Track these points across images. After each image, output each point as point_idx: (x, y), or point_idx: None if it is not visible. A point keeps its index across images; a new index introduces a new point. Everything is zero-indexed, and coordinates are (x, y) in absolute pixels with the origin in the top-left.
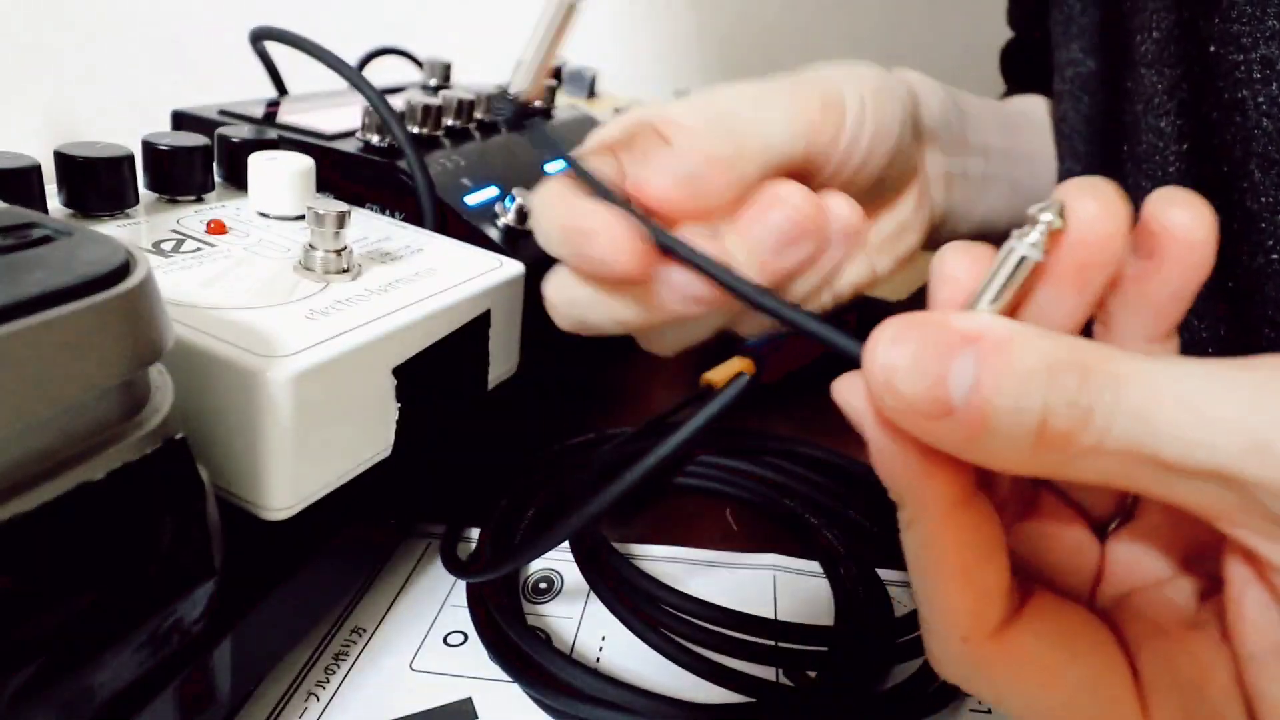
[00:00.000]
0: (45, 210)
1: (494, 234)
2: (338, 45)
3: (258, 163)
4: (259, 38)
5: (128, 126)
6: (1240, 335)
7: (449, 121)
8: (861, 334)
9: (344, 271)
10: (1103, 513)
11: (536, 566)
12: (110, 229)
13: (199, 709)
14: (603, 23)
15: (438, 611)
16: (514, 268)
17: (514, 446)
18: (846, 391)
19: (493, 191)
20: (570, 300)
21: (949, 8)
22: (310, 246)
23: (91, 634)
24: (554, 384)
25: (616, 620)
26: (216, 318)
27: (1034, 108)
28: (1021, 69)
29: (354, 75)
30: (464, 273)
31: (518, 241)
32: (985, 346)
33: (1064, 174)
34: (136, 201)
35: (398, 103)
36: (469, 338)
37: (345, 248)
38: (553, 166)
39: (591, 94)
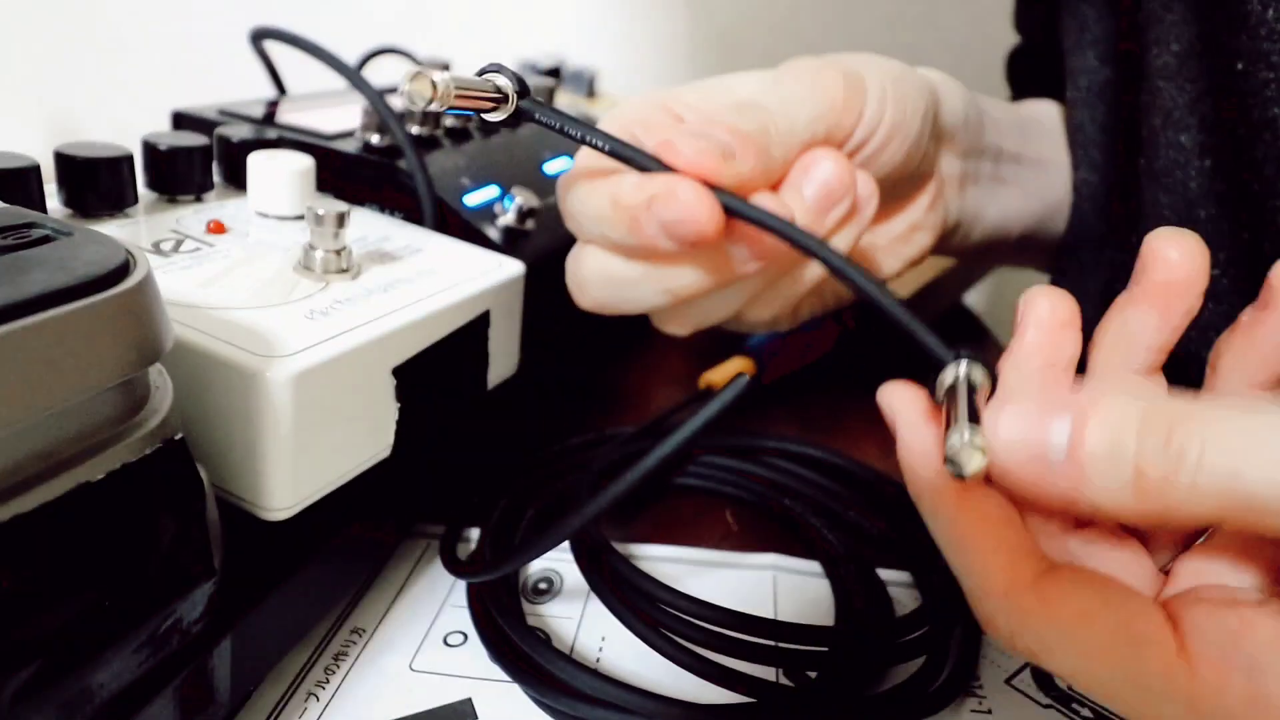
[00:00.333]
0: (45, 210)
1: (494, 234)
2: (338, 45)
3: (257, 162)
4: (259, 38)
5: (128, 126)
6: None
7: (449, 121)
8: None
9: (344, 271)
10: (1165, 543)
11: (536, 566)
12: (110, 229)
13: (199, 709)
14: (603, 23)
15: (438, 611)
16: (514, 268)
17: (514, 446)
18: (891, 396)
19: (493, 191)
20: (609, 278)
21: (951, 9)
22: (310, 246)
23: (91, 634)
24: (554, 384)
25: (616, 620)
26: (216, 318)
27: (1046, 112)
28: (1028, 75)
29: (354, 75)
30: (464, 273)
31: (517, 241)
32: (1079, 408)
33: (1079, 184)
34: (136, 201)
35: (398, 103)
36: (469, 338)
37: (345, 248)
38: (553, 166)
39: (591, 93)
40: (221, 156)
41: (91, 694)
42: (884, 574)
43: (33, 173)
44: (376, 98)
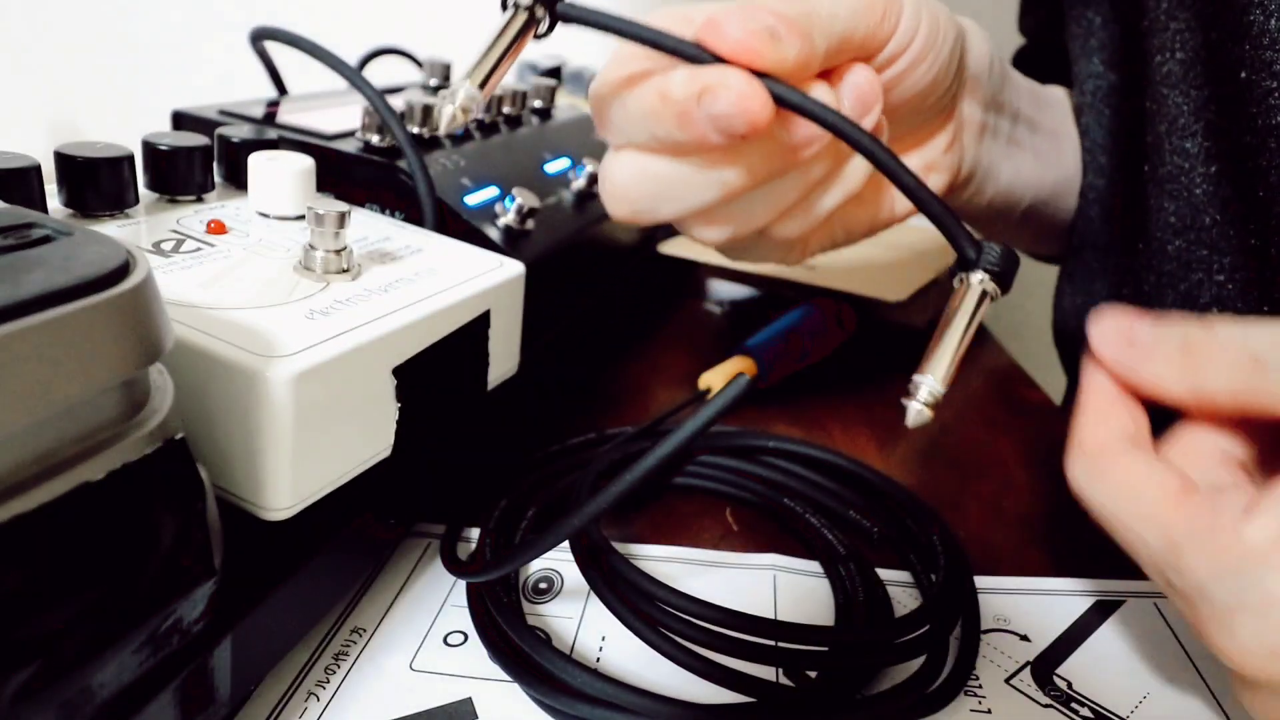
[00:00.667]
0: (45, 210)
1: (494, 234)
2: (338, 45)
3: (258, 163)
4: (259, 38)
5: (128, 126)
6: None
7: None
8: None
9: (344, 271)
10: None
11: (536, 566)
12: (110, 229)
13: (199, 709)
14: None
15: (438, 611)
16: (514, 268)
17: (514, 446)
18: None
19: (493, 191)
20: (651, 179)
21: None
22: (310, 246)
23: (91, 634)
24: (554, 384)
25: (616, 620)
26: (216, 318)
27: (1058, 93)
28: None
29: (354, 75)
30: (464, 273)
31: (517, 241)
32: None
33: (1085, 189)
34: (136, 201)
35: (398, 103)
36: (469, 338)
37: (345, 248)
38: (553, 166)
39: None
40: (222, 156)
41: (92, 694)
42: (884, 574)
43: (33, 173)
44: (376, 98)
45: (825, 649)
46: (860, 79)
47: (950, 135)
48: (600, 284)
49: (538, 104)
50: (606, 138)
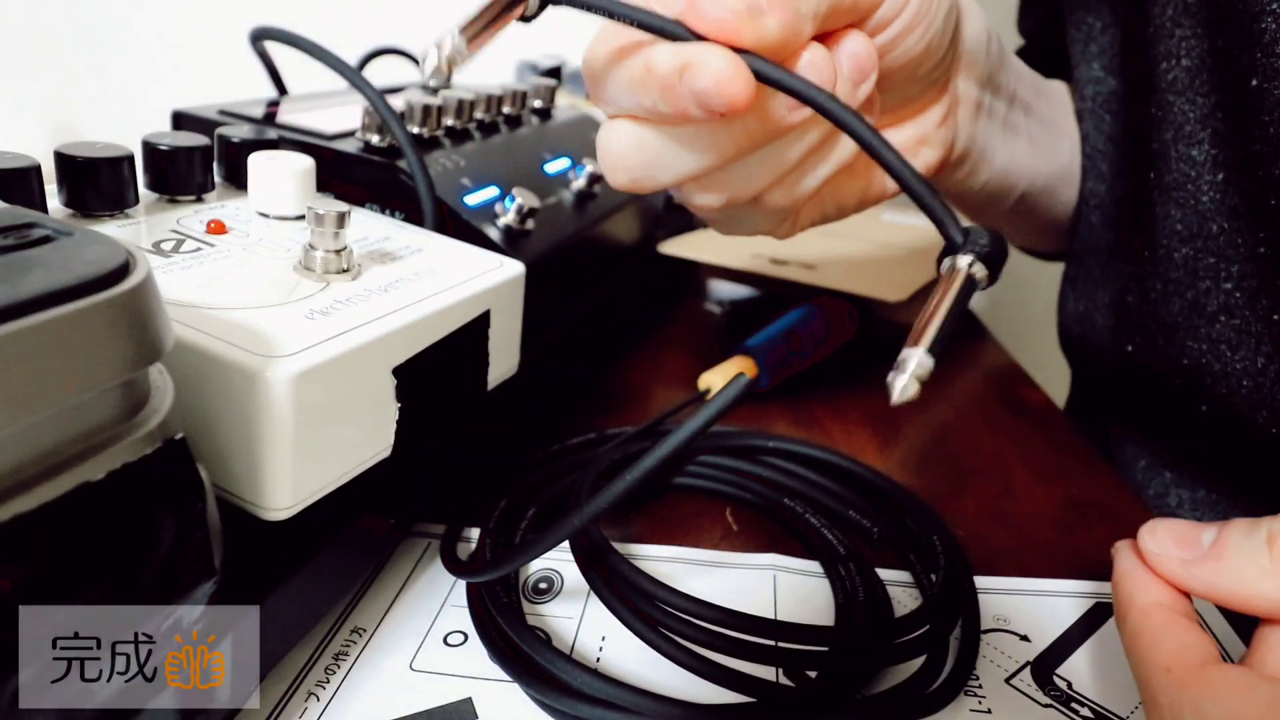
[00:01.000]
0: (45, 210)
1: (494, 234)
2: (338, 45)
3: (258, 163)
4: (259, 38)
5: (128, 126)
6: None
7: (449, 121)
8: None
9: (344, 271)
10: None
11: (536, 566)
12: (110, 229)
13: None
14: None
15: (438, 611)
16: (514, 268)
17: (514, 446)
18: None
19: (493, 191)
20: (644, 148)
21: None
22: (310, 246)
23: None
24: (554, 384)
25: (616, 620)
26: (216, 318)
27: (1058, 84)
28: None
29: (354, 75)
30: (464, 273)
31: (517, 241)
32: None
33: (1086, 194)
34: (136, 201)
35: (398, 103)
36: (469, 338)
37: (345, 248)
38: (553, 166)
39: None
40: (222, 156)
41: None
42: (884, 574)
43: (33, 173)
44: (376, 98)
45: (825, 649)
46: (857, 45)
47: (944, 109)
48: (600, 284)
49: (538, 104)
50: (600, 106)
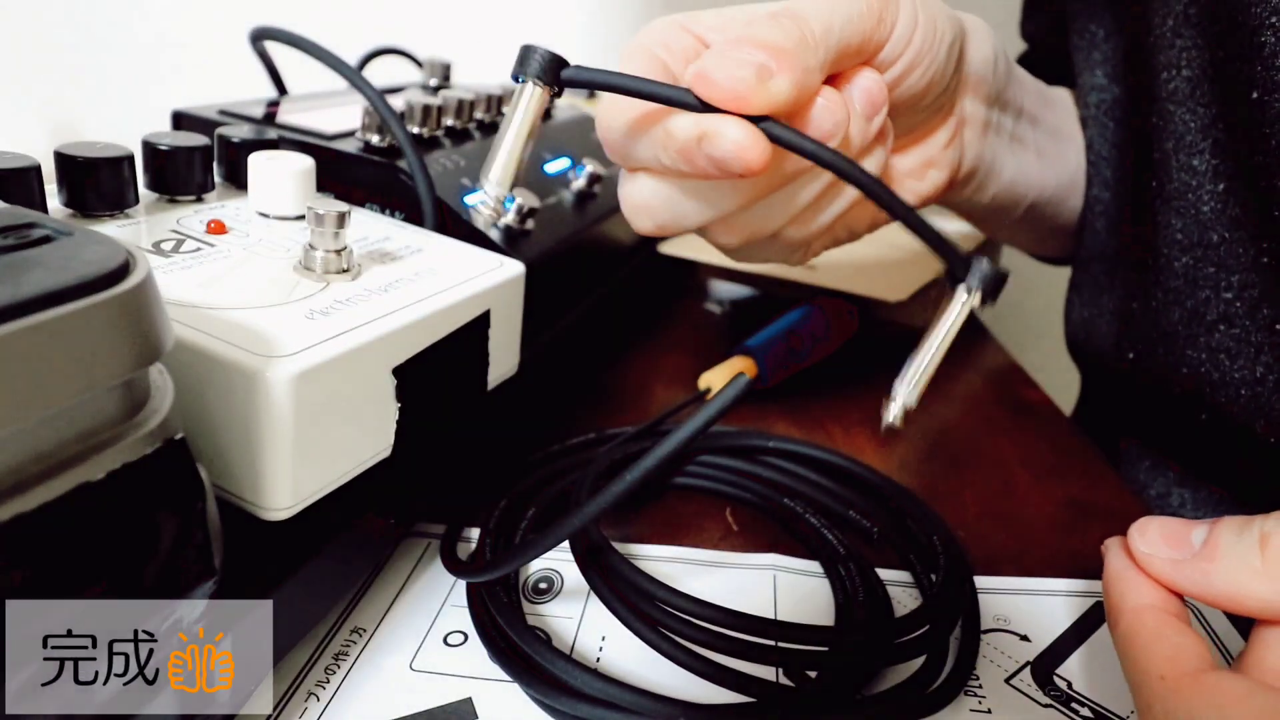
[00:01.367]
0: (45, 210)
1: (494, 234)
2: (338, 45)
3: (258, 163)
4: (259, 38)
5: (128, 126)
6: None
7: (449, 121)
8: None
9: (344, 271)
10: None
11: (536, 566)
12: (110, 229)
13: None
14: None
15: (438, 611)
16: (514, 268)
17: (514, 446)
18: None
19: None
20: (667, 200)
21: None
22: (310, 246)
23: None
24: (554, 384)
25: (616, 620)
26: (216, 318)
27: (1062, 92)
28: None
29: (354, 75)
30: (464, 273)
31: (517, 241)
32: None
33: (1092, 201)
34: (136, 201)
35: (398, 103)
36: (469, 338)
37: (345, 248)
38: (553, 166)
39: (591, 94)
40: (222, 156)
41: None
42: (884, 574)
43: (33, 173)
44: (376, 98)
45: (825, 649)
46: (869, 82)
47: (950, 132)
48: (600, 284)
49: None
50: (618, 163)
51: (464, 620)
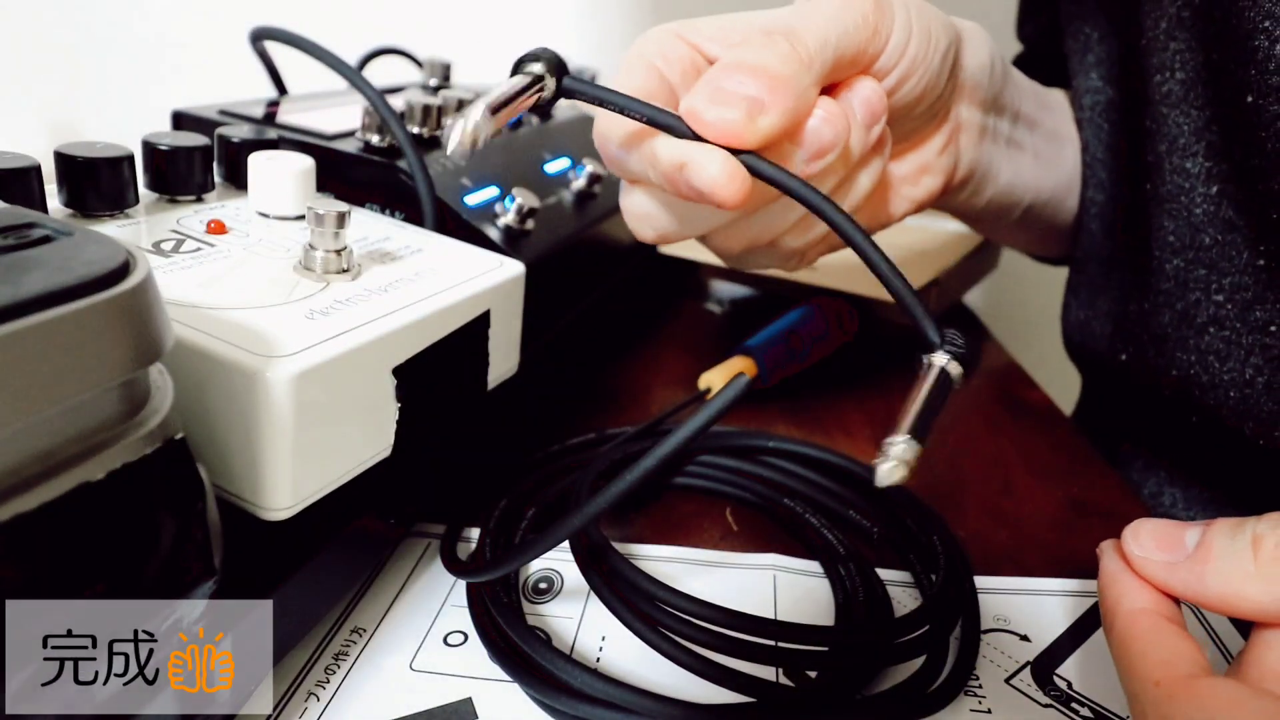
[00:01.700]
0: (45, 210)
1: (494, 234)
2: (338, 45)
3: (258, 163)
4: (259, 38)
5: (128, 126)
6: None
7: (449, 121)
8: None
9: (344, 271)
10: None
11: (536, 566)
12: (110, 229)
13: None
14: (602, 22)
15: (438, 611)
16: (514, 268)
17: (514, 446)
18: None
19: (493, 191)
20: (665, 211)
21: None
22: (310, 246)
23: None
24: (554, 384)
25: (616, 620)
26: (216, 318)
27: (1058, 94)
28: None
29: (354, 75)
30: (464, 273)
31: (517, 241)
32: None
33: (1088, 203)
34: (136, 201)
35: (398, 103)
36: (469, 338)
37: (345, 248)
38: (553, 166)
39: None
40: (222, 156)
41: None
42: (884, 574)
43: (33, 172)
44: (376, 98)
45: (825, 649)
46: (868, 91)
47: (945, 138)
48: (600, 284)
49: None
50: (616, 174)
51: (464, 620)
